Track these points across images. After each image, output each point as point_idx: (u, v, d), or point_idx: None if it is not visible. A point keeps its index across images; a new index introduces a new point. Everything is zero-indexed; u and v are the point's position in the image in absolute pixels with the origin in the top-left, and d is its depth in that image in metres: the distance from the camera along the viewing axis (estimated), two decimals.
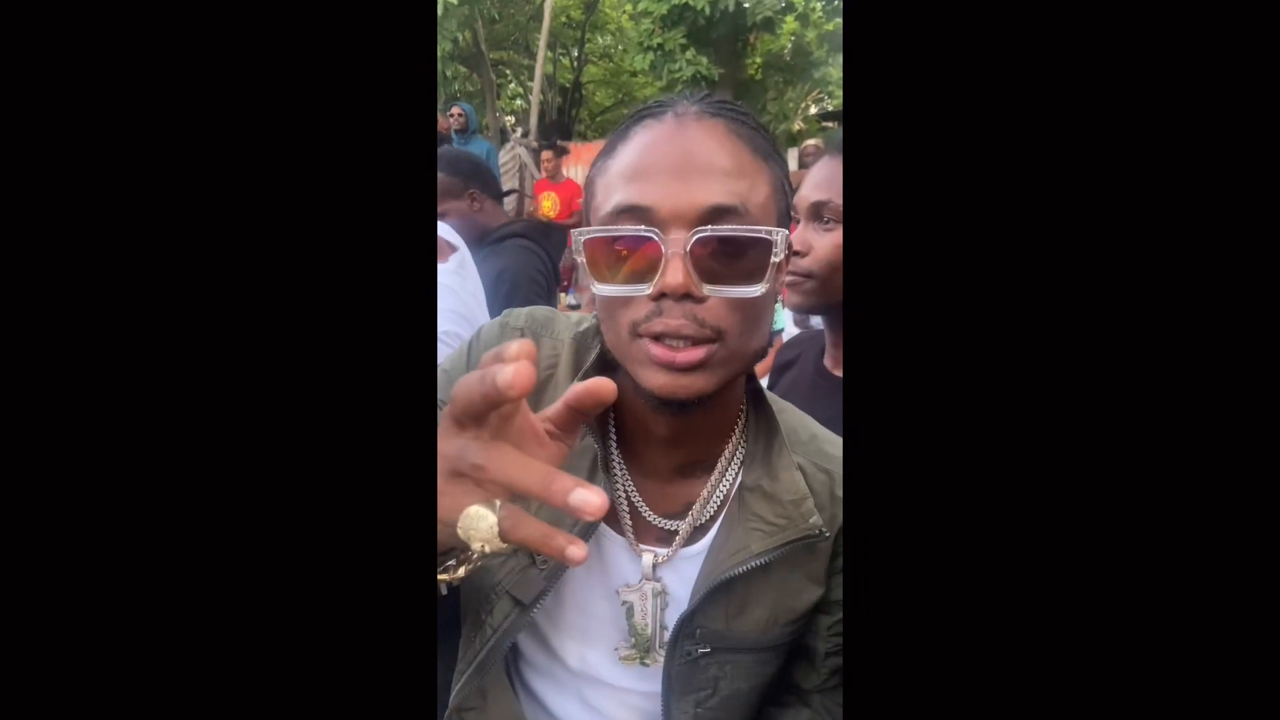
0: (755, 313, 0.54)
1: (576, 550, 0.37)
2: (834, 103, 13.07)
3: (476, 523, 0.38)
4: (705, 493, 0.65)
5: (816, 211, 0.92)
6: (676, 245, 0.50)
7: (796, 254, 0.92)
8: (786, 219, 0.58)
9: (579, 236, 0.54)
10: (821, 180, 0.91)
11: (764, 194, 0.54)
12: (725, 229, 0.51)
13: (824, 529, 0.64)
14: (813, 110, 12.84)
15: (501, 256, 1.63)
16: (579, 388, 0.42)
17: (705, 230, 0.50)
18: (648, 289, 0.52)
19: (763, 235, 0.51)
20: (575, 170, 5.90)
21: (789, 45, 11.56)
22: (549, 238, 1.90)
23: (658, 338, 0.53)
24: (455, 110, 5.11)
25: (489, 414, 0.38)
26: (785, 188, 0.58)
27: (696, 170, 0.51)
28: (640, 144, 0.55)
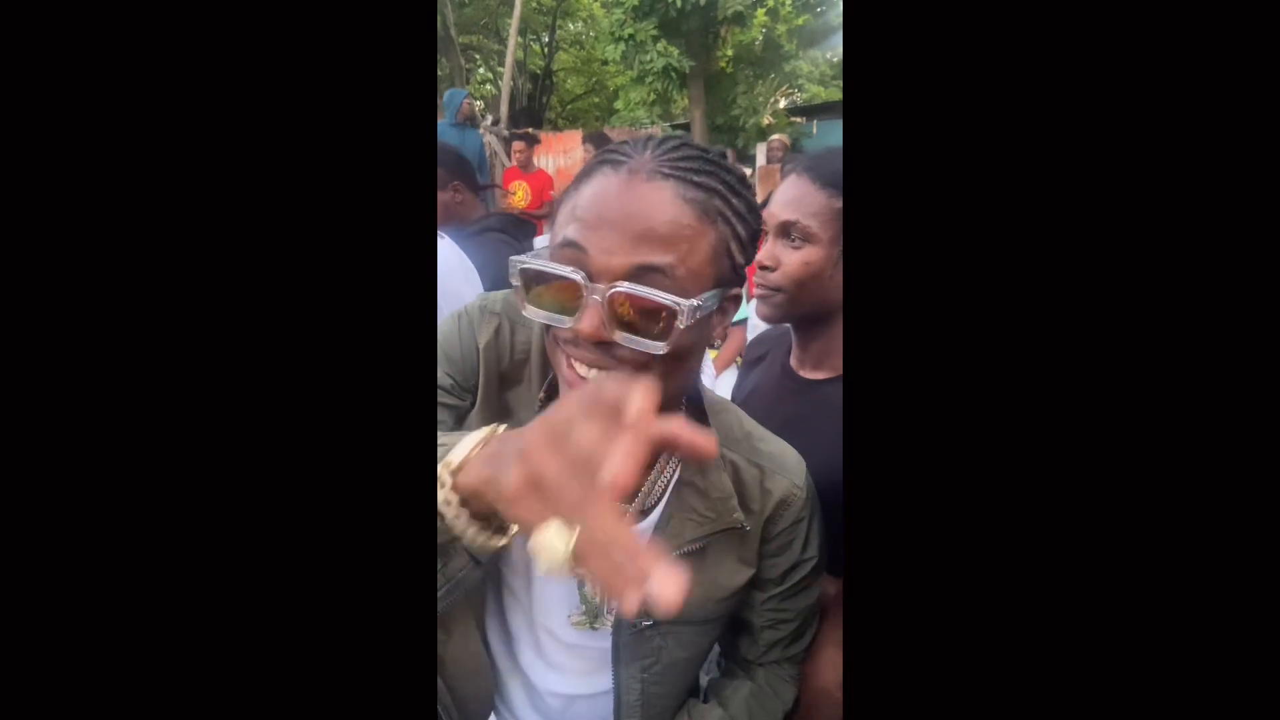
0: (670, 362, 0.58)
1: (632, 605, 0.34)
2: (803, 97, 13.21)
3: (550, 546, 0.36)
4: (647, 485, 0.73)
5: (785, 230, 0.95)
6: (596, 293, 0.55)
7: (766, 268, 0.96)
8: (731, 276, 0.62)
9: (515, 264, 0.59)
10: (790, 200, 0.95)
11: (700, 257, 0.58)
12: (639, 289, 0.55)
13: (745, 524, 0.72)
14: (782, 104, 12.96)
15: (480, 251, 1.69)
16: (689, 439, 0.39)
17: (621, 286, 0.55)
18: (569, 322, 0.57)
19: (669, 304, 0.54)
20: (546, 160, 5.89)
21: (759, 38, 11.63)
22: (522, 230, 1.97)
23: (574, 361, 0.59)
24: (466, 100, 5.34)
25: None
26: (734, 247, 0.62)
27: (632, 231, 0.56)
28: (593, 190, 0.59)
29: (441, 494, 0.48)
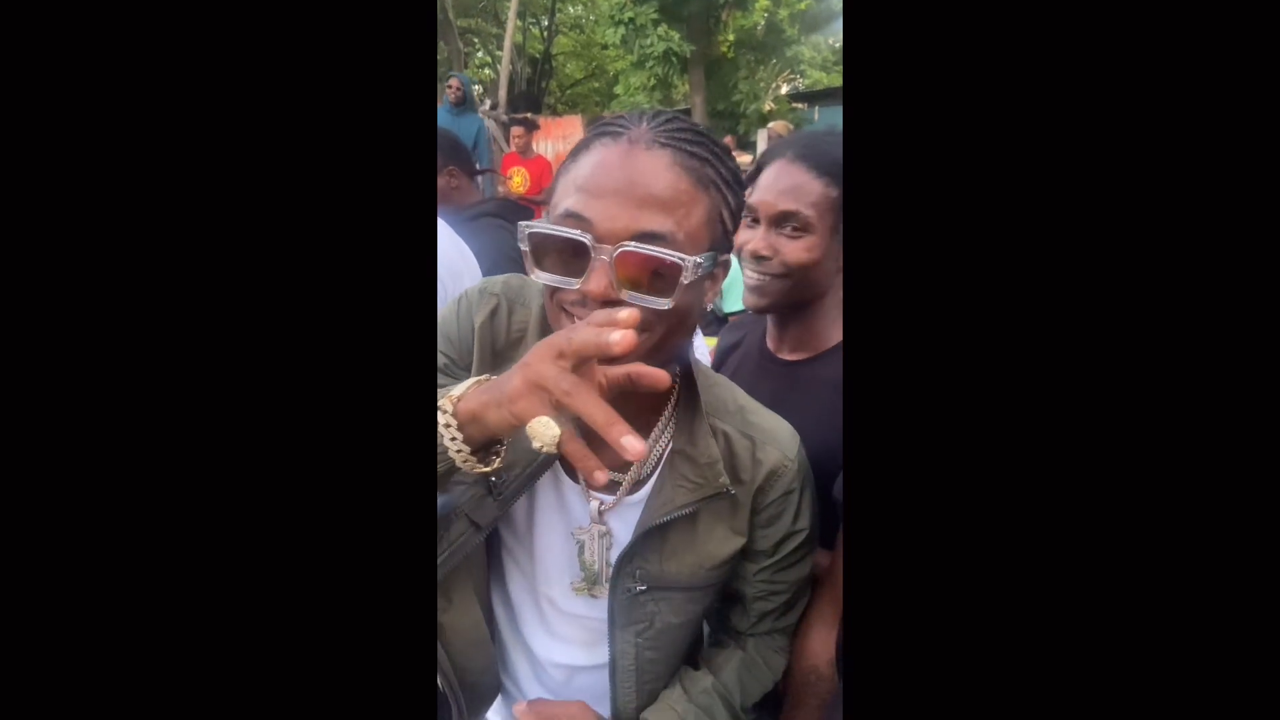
0: (672, 319, 0.63)
1: (602, 475, 0.48)
2: (805, 82, 13.11)
3: (545, 428, 0.48)
4: (648, 444, 0.76)
5: (781, 220, 0.93)
6: (604, 254, 0.59)
7: (763, 258, 0.94)
8: (723, 242, 0.67)
9: (524, 228, 0.62)
10: (787, 189, 0.92)
11: (696, 221, 0.62)
12: (646, 248, 0.59)
13: (731, 488, 0.74)
14: (783, 90, 12.85)
15: (478, 236, 1.66)
16: (645, 370, 0.51)
17: (629, 245, 0.58)
18: (576, 284, 0.60)
19: (675, 260, 0.59)
20: (545, 145, 5.83)
21: (761, 23, 11.52)
22: (519, 215, 1.94)
23: None
24: (453, 82, 5.12)
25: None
26: (725, 214, 0.66)
27: (634, 197, 0.60)
28: (594, 160, 0.62)
29: (443, 419, 0.55)
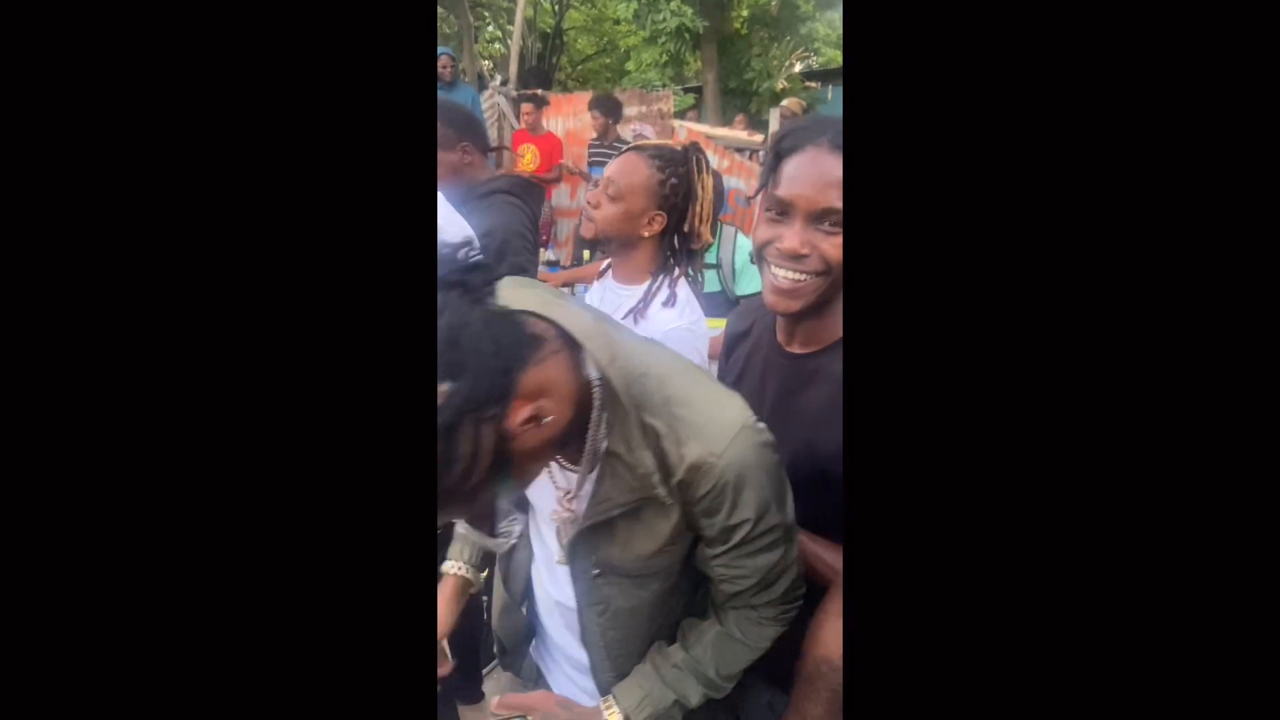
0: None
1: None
2: (819, 61, 12.88)
3: None
4: (590, 446, 0.76)
5: (821, 216, 0.87)
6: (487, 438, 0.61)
7: (801, 256, 0.88)
8: (582, 406, 0.72)
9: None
10: (829, 183, 0.86)
11: (567, 382, 0.70)
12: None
13: (668, 499, 0.74)
14: (797, 68, 12.64)
15: (490, 214, 1.68)
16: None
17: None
18: None
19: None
20: (555, 122, 5.80)
21: None
22: (531, 193, 1.96)
23: None
24: (443, 59, 5.09)
25: None
26: (575, 355, 0.71)
27: None
28: None
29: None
